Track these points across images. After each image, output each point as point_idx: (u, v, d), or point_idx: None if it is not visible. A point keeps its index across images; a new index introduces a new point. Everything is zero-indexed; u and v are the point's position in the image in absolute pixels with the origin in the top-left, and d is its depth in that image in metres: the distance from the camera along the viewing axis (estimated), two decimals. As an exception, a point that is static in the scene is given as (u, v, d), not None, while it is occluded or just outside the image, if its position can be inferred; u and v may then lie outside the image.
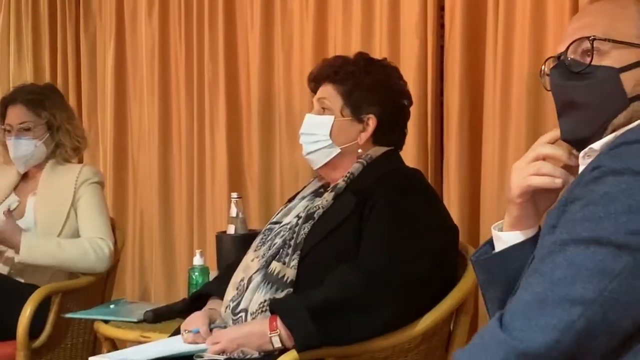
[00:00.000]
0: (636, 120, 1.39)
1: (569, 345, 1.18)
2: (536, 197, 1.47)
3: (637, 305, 1.20)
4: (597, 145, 1.39)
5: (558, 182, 1.42)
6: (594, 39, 1.42)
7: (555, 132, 1.48)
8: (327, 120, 2.32)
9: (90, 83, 4.02)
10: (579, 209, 1.24)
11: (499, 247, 1.51)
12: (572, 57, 1.45)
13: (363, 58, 2.41)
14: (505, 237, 1.49)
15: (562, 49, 1.47)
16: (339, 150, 2.32)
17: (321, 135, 2.32)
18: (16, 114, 3.16)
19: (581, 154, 1.42)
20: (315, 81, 2.40)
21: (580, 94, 1.43)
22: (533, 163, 1.45)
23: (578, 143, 1.44)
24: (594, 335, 1.19)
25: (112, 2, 3.88)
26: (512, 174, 1.48)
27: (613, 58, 1.41)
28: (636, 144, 1.27)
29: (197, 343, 2.16)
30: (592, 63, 1.42)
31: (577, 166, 1.43)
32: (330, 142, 2.32)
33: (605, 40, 1.42)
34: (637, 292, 1.20)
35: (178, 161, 3.68)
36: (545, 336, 1.18)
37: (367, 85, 2.32)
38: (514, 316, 1.23)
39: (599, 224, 1.21)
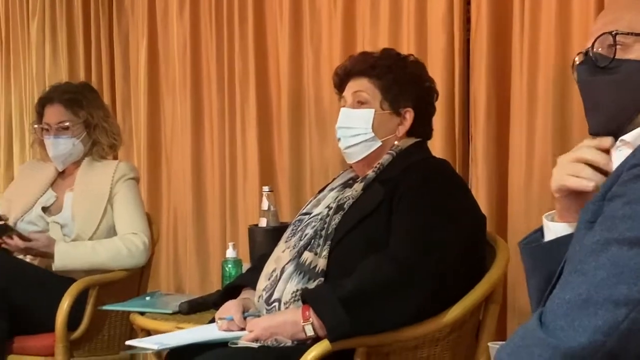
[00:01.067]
0: None
1: (613, 347, 1.15)
2: (578, 194, 1.45)
3: None
4: (628, 137, 1.40)
5: (592, 185, 1.40)
6: (617, 34, 1.43)
7: (604, 142, 1.45)
8: (368, 113, 2.35)
9: (124, 81, 4.06)
10: (621, 207, 1.21)
11: (548, 236, 1.50)
12: (597, 52, 1.46)
13: (395, 54, 2.46)
14: (554, 228, 1.48)
15: (588, 45, 1.48)
16: (380, 143, 2.35)
17: (362, 128, 2.34)
18: (54, 113, 3.20)
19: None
20: (344, 76, 2.42)
21: (607, 88, 1.44)
22: (574, 163, 1.44)
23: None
24: (638, 337, 1.16)
25: (144, 0, 3.93)
26: (556, 167, 1.47)
27: (638, 51, 1.42)
28: None
29: (231, 330, 2.19)
30: (617, 57, 1.42)
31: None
32: (372, 135, 2.34)
33: (628, 34, 1.42)
34: None
35: (210, 156, 3.72)
36: (589, 337, 1.15)
37: (405, 80, 2.36)
38: (555, 316, 1.20)
39: None
